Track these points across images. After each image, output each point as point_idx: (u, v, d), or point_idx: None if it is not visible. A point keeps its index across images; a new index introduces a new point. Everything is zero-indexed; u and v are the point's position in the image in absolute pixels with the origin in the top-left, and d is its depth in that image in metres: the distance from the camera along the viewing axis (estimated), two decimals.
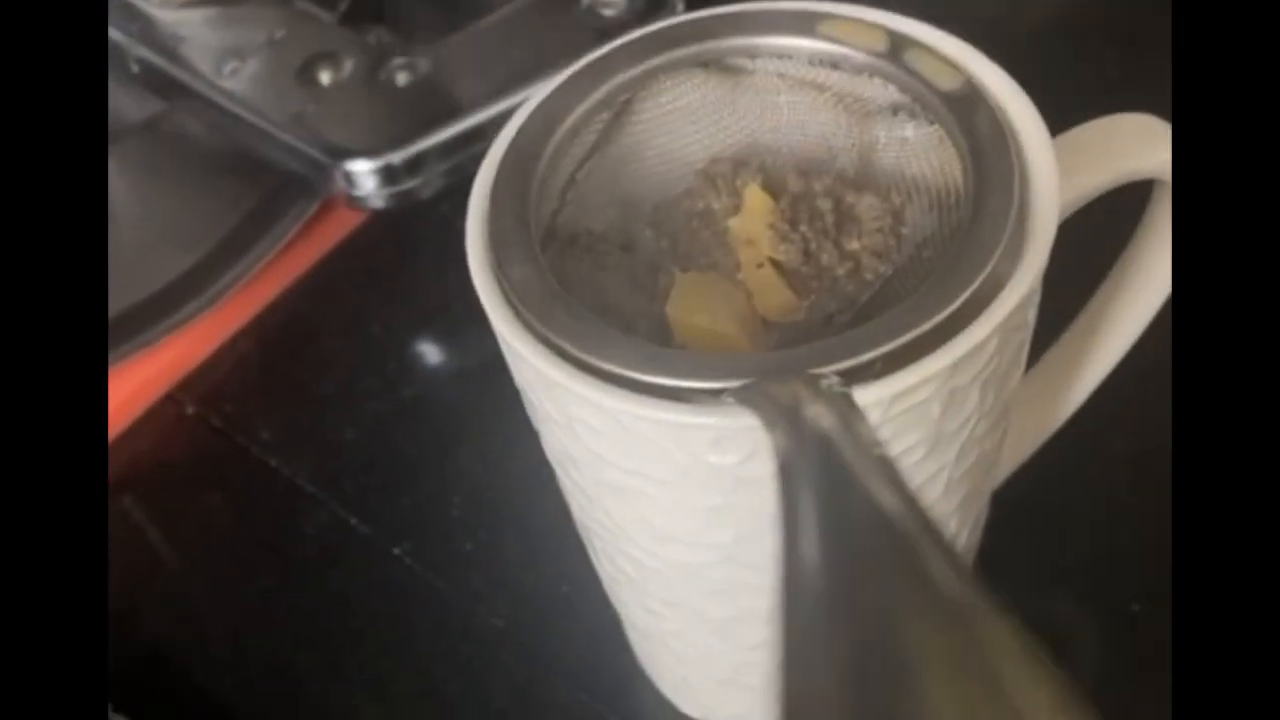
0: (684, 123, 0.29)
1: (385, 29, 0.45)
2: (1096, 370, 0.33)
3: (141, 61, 0.45)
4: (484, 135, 0.41)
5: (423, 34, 0.44)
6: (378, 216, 0.45)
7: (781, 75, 0.29)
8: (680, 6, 0.42)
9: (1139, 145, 0.28)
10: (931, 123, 0.27)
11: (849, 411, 0.21)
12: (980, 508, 0.31)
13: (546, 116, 0.28)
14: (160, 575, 0.41)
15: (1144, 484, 0.37)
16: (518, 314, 0.25)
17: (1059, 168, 0.26)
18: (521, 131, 0.28)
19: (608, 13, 0.42)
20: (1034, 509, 0.34)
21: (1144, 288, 0.31)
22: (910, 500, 0.18)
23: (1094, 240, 0.29)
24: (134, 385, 0.43)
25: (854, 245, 0.27)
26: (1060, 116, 0.27)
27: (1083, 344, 0.33)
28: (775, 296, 0.27)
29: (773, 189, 0.28)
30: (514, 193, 0.27)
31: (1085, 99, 0.29)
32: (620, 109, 0.29)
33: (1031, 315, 0.26)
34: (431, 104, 0.42)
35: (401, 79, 0.43)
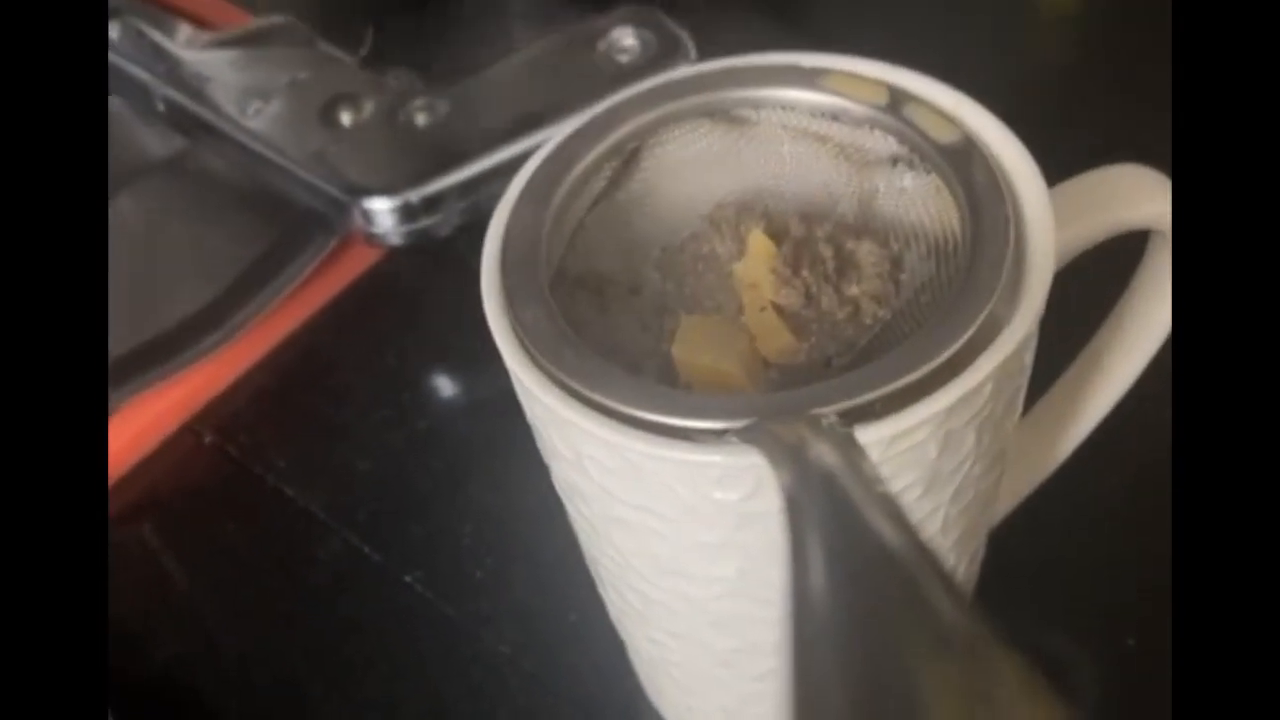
0: (690, 170, 0.30)
1: (405, 71, 0.46)
2: (1091, 416, 0.34)
3: (167, 101, 0.46)
4: (502, 175, 0.42)
5: (442, 76, 0.45)
6: (394, 252, 0.46)
7: (785, 126, 0.29)
8: (693, 54, 0.43)
9: (1135, 196, 0.28)
10: (929, 173, 0.28)
11: (852, 450, 0.21)
12: (977, 545, 0.32)
13: (558, 163, 0.29)
14: (175, 599, 0.41)
15: (1138, 521, 0.37)
16: (529, 354, 0.26)
17: (1055, 217, 0.26)
18: (534, 177, 0.29)
19: (622, 58, 0.43)
20: (1031, 545, 0.35)
21: (1139, 336, 0.32)
22: (913, 536, 0.19)
23: (1089, 288, 0.30)
24: (153, 414, 0.44)
25: (854, 290, 0.28)
26: (1059, 167, 0.28)
27: (1077, 390, 0.33)
28: (777, 339, 0.28)
29: (775, 235, 0.29)
30: (526, 236, 0.28)
31: (1083, 150, 0.30)
32: (629, 156, 0.30)
33: (1028, 360, 0.27)
34: (450, 144, 0.43)
35: (421, 120, 0.44)
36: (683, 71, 0.30)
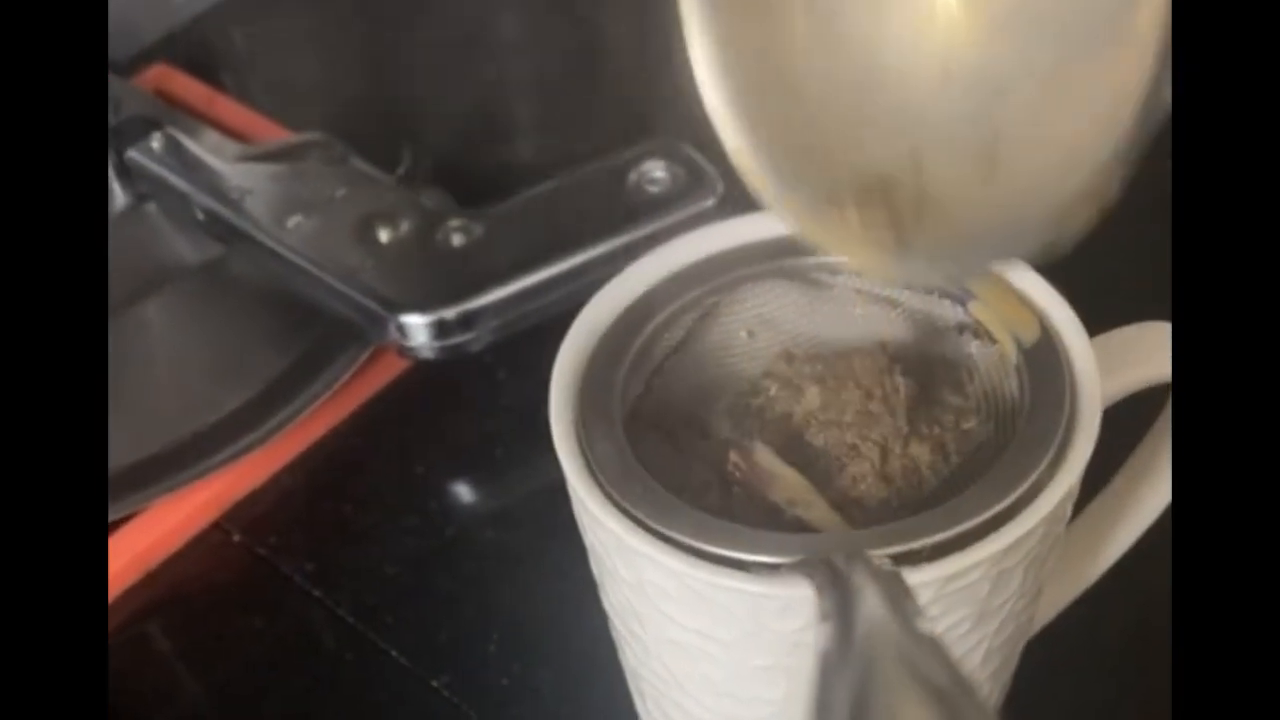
0: (765, 325, 0.32)
1: (440, 192, 0.48)
2: (1113, 550, 0.35)
3: (206, 210, 0.47)
4: (534, 296, 0.44)
5: (476, 199, 0.47)
6: (423, 363, 0.47)
7: (858, 290, 0.32)
8: (720, 187, 0.45)
9: (1158, 355, 0.30)
10: (994, 342, 0.30)
11: (897, 589, 0.23)
12: (1011, 668, 0.34)
13: (639, 312, 0.31)
14: (198, 696, 0.42)
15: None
16: (599, 484, 0.28)
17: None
18: (618, 320, 0.31)
19: (653, 189, 0.45)
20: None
21: (1156, 483, 0.34)
22: (955, 673, 0.21)
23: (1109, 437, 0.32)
24: (183, 511, 0.45)
25: (914, 447, 0.30)
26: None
27: (1100, 526, 0.35)
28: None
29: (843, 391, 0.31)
30: (603, 376, 0.30)
31: (1102, 304, 0.31)
32: (708, 310, 0.32)
33: (1071, 504, 0.29)
34: (485, 265, 0.44)
35: (456, 240, 0.45)
36: (768, 231, 0.32)
